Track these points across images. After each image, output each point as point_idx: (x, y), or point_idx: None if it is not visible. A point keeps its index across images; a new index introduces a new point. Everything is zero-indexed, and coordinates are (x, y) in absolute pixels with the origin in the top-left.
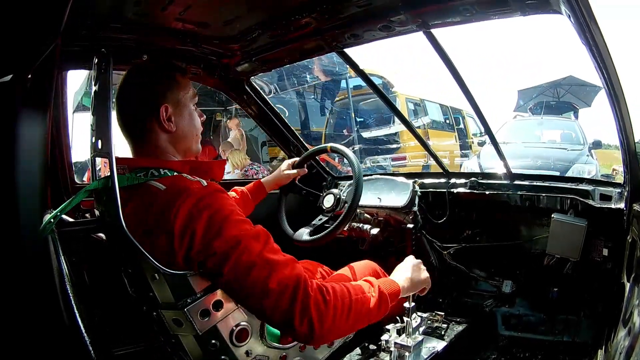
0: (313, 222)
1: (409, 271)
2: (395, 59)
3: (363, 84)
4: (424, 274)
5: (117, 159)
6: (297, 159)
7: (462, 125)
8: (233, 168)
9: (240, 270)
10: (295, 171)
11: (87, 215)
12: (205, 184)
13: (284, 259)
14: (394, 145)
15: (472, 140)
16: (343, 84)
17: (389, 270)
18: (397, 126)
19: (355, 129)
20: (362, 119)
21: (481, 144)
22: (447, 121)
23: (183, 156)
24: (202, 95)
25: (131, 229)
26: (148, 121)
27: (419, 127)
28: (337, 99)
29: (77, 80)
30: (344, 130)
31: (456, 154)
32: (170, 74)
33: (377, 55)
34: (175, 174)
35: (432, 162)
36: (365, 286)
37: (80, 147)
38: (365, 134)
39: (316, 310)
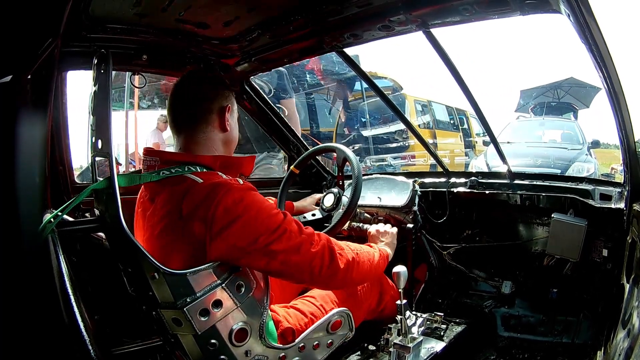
0: (304, 215)
1: (389, 239)
2: (406, 62)
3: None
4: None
5: (150, 151)
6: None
7: (466, 126)
8: None
9: (291, 250)
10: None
11: (87, 215)
12: (242, 182)
13: (311, 231)
14: (405, 144)
15: (475, 140)
16: (355, 85)
17: (387, 271)
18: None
19: (356, 127)
20: (372, 118)
21: (487, 143)
22: (452, 121)
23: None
24: None
25: (158, 217)
26: (212, 116)
27: (421, 125)
28: (350, 99)
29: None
30: (348, 129)
31: (457, 153)
32: (229, 87)
33: (388, 59)
34: (204, 170)
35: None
36: (366, 247)
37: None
38: (374, 132)
39: (346, 259)
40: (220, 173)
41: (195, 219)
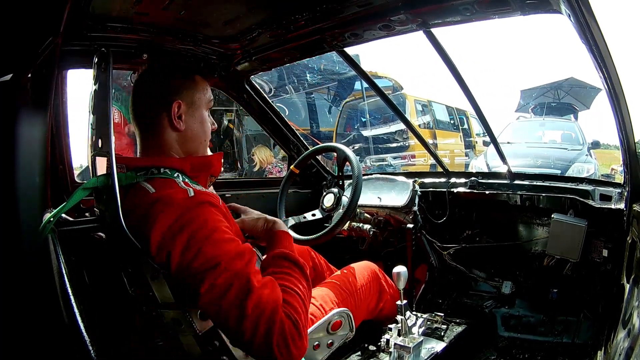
0: (304, 215)
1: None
2: (406, 62)
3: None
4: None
5: (117, 157)
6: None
7: (466, 126)
8: (260, 164)
9: (216, 292)
10: None
11: (87, 214)
12: (192, 194)
13: (262, 281)
14: (405, 144)
15: (475, 140)
16: (357, 85)
17: (387, 271)
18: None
19: (356, 127)
20: (372, 118)
21: (487, 143)
22: (452, 121)
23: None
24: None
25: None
26: (159, 115)
27: (421, 125)
28: (350, 99)
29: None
30: (350, 130)
31: (457, 153)
32: (189, 72)
33: (388, 58)
34: (171, 174)
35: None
36: (297, 276)
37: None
38: (375, 132)
39: (290, 336)
40: (180, 180)
41: (139, 235)
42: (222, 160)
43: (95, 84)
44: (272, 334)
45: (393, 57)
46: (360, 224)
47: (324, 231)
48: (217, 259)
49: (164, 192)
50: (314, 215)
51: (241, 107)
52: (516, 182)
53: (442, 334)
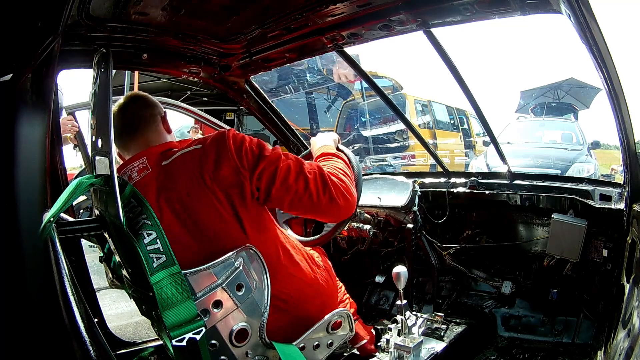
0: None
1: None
2: (406, 62)
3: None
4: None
5: (131, 158)
6: None
7: (466, 126)
8: None
9: (285, 178)
10: None
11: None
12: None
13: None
14: (405, 144)
15: (475, 140)
16: (357, 85)
17: (387, 271)
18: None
19: (356, 127)
20: (372, 118)
21: (487, 143)
22: (452, 121)
23: None
24: (213, 96)
25: (177, 192)
26: (157, 117)
27: (421, 125)
28: (350, 99)
29: None
30: (350, 130)
31: (457, 153)
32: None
33: (388, 58)
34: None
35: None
36: (337, 159)
37: None
38: (374, 132)
39: (343, 188)
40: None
41: (223, 167)
42: None
43: (95, 84)
44: (329, 189)
45: (393, 57)
46: (360, 224)
47: (323, 232)
48: (281, 155)
49: (212, 136)
50: None
51: (241, 107)
52: (516, 182)
53: (442, 334)
